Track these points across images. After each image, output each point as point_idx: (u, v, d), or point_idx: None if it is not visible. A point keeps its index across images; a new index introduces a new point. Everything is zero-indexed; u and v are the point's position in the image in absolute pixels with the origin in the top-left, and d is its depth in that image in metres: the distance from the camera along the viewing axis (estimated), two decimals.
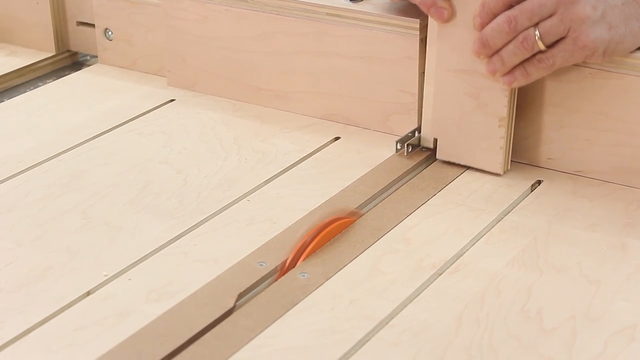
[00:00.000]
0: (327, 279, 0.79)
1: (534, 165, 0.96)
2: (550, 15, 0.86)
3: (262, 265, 0.80)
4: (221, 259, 0.82)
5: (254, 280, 0.78)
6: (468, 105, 0.93)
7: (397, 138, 0.98)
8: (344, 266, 0.81)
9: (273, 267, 0.80)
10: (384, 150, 0.99)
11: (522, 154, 0.96)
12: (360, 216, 0.87)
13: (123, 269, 0.80)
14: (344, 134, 1.03)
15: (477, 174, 0.95)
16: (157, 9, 1.13)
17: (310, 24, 1.03)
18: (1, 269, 0.80)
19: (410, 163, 0.96)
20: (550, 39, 0.86)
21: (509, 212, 0.88)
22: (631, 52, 0.88)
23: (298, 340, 0.72)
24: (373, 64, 1.01)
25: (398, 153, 0.98)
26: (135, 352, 0.70)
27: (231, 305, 0.75)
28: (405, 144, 0.97)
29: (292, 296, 0.77)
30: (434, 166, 0.96)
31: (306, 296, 0.77)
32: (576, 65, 0.91)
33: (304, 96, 1.07)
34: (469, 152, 0.95)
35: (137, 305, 0.76)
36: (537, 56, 0.88)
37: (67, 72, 1.21)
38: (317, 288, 0.78)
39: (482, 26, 0.89)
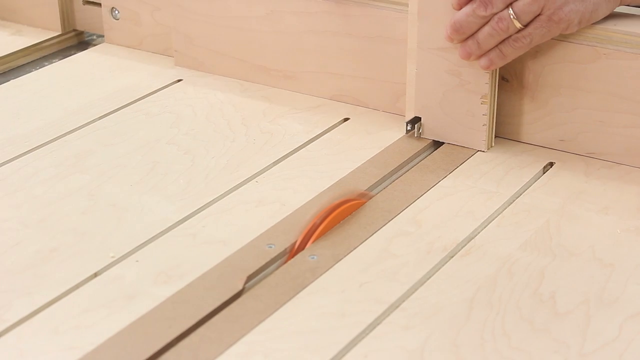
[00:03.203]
0: (337, 262, 0.78)
1: (546, 147, 0.95)
2: None
3: (271, 247, 0.79)
4: (230, 240, 0.81)
5: (263, 263, 0.77)
6: (450, 84, 0.93)
7: (407, 119, 0.97)
8: (354, 249, 0.79)
9: (282, 249, 0.79)
10: (394, 131, 0.98)
11: (534, 135, 0.95)
12: (370, 198, 0.86)
13: (130, 251, 0.79)
14: (354, 114, 1.02)
15: (489, 155, 0.93)
16: None
17: (319, 3, 1.02)
18: (7, 250, 0.79)
19: (420, 144, 0.95)
20: (527, 17, 0.87)
21: (521, 194, 0.87)
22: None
23: (307, 323, 0.71)
24: (383, 44, 1.00)
25: (408, 134, 0.96)
26: (143, 334, 0.69)
27: (240, 287, 0.74)
28: (416, 125, 0.96)
29: (302, 279, 0.76)
30: (445, 147, 0.95)
31: (316, 279, 0.76)
32: (590, 45, 0.89)
33: (312, 76, 1.05)
34: (453, 129, 0.94)
35: (144, 288, 0.75)
36: (513, 36, 0.88)
37: (73, 52, 1.20)
38: (326, 271, 0.77)
39: (460, 6, 0.88)
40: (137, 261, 0.78)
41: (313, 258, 0.78)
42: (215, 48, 1.10)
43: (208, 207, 0.86)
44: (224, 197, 0.87)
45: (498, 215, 0.84)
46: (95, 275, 0.76)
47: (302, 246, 0.80)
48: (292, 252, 0.80)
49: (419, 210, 0.85)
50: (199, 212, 0.85)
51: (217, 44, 1.10)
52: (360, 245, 0.80)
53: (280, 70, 1.07)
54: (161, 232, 0.82)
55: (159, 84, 1.09)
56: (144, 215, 0.84)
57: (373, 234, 0.81)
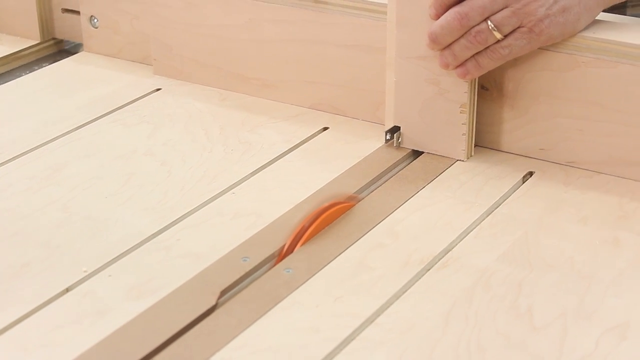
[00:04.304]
0: (312, 275, 0.77)
1: (526, 156, 0.94)
2: (502, 9, 0.85)
3: (246, 260, 0.78)
4: (204, 254, 0.80)
5: (238, 277, 0.76)
6: (429, 93, 0.92)
7: (387, 128, 0.96)
8: (330, 261, 0.78)
9: (257, 262, 0.78)
10: (374, 140, 0.97)
11: (514, 144, 0.94)
12: (359, 201, 0.86)
13: (103, 265, 0.78)
14: (333, 124, 1.01)
15: (468, 165, 0.93)
16: None
17: (298, 11, 1.01)
18: None
19: (400, 154, 0.94)
20: (507, 29, 0.86)
21: (499, 205, 0.86)
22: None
23: (281, 339, 0.70)
24: (362, 52, 0.99)
25: (387, 144, 0.95)
26: (114, 351, 0.68)
27: (213, 302, 0.73)
28: (395, 135, 0.95)
29: (276, 293, 0.75)
30: (424, 157, 0.94)
31: (290, 293, 0.75)
32: (569, 53, 0.89)
33: (291, 85, 1.05)
34: (432, 139, 0.93)
35: (116, 303, 0.74)
36: (492, 47, 0.87)
37: (52, 60, 1.19)
38: (301, 284, 0.76)
39: (437, 16, 0.88)
40: (109, 276, 0.77)
41: (288, 271, 0.77)
42: (194, 57, 1.09)
43: (183, 219, 0.85)
44: (200, 209, 0.86)
45: (476, 226, 0.83)
46: (67, 290, 0.75)
47: (290, 249, 0.80)
48: (281, 255, 0.79)
49: (397, 221, 0.84)
50: (174, 224, 0.84)
51: (196, 53, 1.09)
52: (336, 258, 0.79)
53: (259, 79, 1.06)
54: (135, 245, 0.81)
55: (137, 93, 1.08)
56: (119, 228, 0.83)
57: (350, 246, 0.80)
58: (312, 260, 0.78)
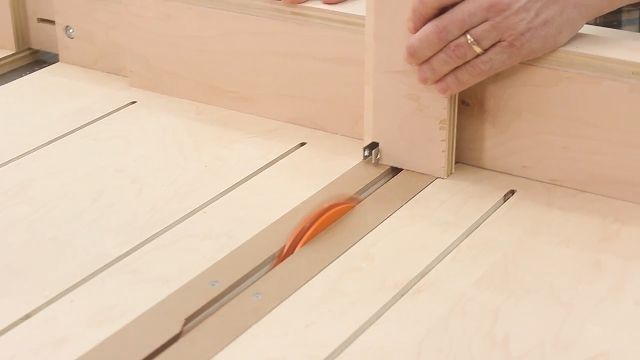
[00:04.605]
0: (282, 301, 0.74)
1: (508, 173, 0.91)
2: (482, 22, 0.82)
3: (214, 284, 0.76)
4: (171, 278, 0.77)
5: (204, 302, 0.74)
6: (408, 108, 0.89)
7: (365, 144, 0.93)
8: (301, 286, 0.76)
9: (226, 286, 0.75)
10: (352, 157, 0.94)
11: (496, 161, 0.91)
12: (360, 202, 0.85)
13: (66, 290, 0.75)
14: (311, 139, 0.98)
15: (448, 183, 0.90)
16: (118, 6, 1.08)
17: (275, 23, 0.98)
18: None
19: (378, 171, 0.92)
20: (487, 43, 0.83)
21: (479, 225, 0.83)
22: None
23: None
24: (341, 65, 0.96)
25: (365, 160, 0.93)
26: None
27: (178, 330, 0.71)
28: (373, 151, 0.92)
29: (244, 320, 0.72)
30: (403, 174, 0.91)
31: (259, 320, 0.72)
32: (551, 68, 0.86)
33: (269, 99, 1.02)
34: (411, 156, 0.91)
35: (77, 330, 0.71)
36: (471, 61, 0.84)
37: (28, 71, 1.16)
38: (270, 311, 0.73)
39: (416, 30, 0.85)
40: (72, 301, 0.74)
41: (257, 297, 0.74)
42: (170, 69, 1.07)
43: (152, 240, 0.82)
44: (170, 229, 0.84)
45: (454, 248, 0.80)
46: (27, 317, 0.73)
47: (291, 250, 0.79)
48: (281, 256, 0.79)
49: (372, 243, 0.81)
50: (142, 246, 0.81)
51: (172, 65, 1.06)
52: (308, 282, 0.76)
53: (236, 92, 1.04)
54: (100, 268, 0.78)
55: (112, 106, 1.06)
56: (84, 250, 0.81)
57: (322, 270, 0.78)
58: (283, 285, 0.76)
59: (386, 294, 0.75)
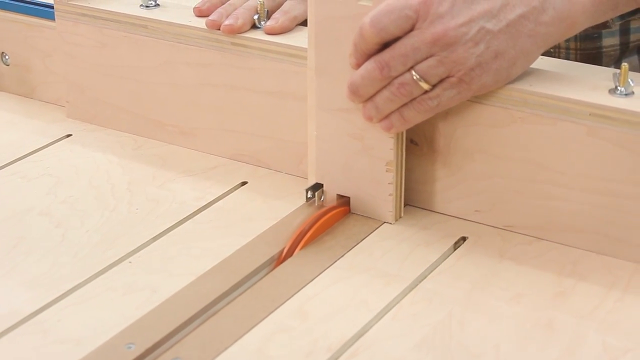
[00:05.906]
0: None
1: (460, 218, 0.85)
2: (427, 57, 0.76)
3: (130, 348, 0.69)
4: (85, 339, 0.70)
5: None
6: (352, 148, 0.83)
7: (308, 185, 0.87)
8: (225, 349, 0.69)
9: (143, 350, 0.69)
10: (295, 197, 0.88)
11: (447, 205, 0.85)
12: (348, 204, 0.85)
13: None
14: (253, 177, 0.92)
15: (396, 228, 0.84)
16: (55, 33, 1.02)
17: (215, 54, 0.92)
18: None
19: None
20: (434, 79, 0.77)
21: (424, 278, 0.77)
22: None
23: None
24: (284, 100, 0.90)
25: (308, 202, 0.86)
26: None
27: None
28: (316, 193, 0.86)
29: None
30: (348, 219, 0.85)
31: None
32: (504, 107, 0.80)
33: (210, 133, 0.96)
34: (357, 199, 0.85)
35: None
36: (418, 98, 0.78)
37: None
38: None
39: (358, 66, 0.79)
40: None
41: None
42: (108, 100, 1.00)
43: (70, 294, 0.76)
44: (90, 281, 0.77)
45: (395, 304, 0.74)
46: None
47: (289, 253, 0.78)
48: (280, 259, 0.78)
49: (307, 298, 0.75)
50: (58, 301, 0.75)
51: (109, 96, 1.00)
52: (233, 345, 0.70)
53: (176, 126, 0.97)
54: (8, 328, 0.71)
55: (45, 140, 0.99)
56: None
57: (250, 330, 0.71)
58: (206, 348, 0.69)
59: (317, 358, 0.68)
